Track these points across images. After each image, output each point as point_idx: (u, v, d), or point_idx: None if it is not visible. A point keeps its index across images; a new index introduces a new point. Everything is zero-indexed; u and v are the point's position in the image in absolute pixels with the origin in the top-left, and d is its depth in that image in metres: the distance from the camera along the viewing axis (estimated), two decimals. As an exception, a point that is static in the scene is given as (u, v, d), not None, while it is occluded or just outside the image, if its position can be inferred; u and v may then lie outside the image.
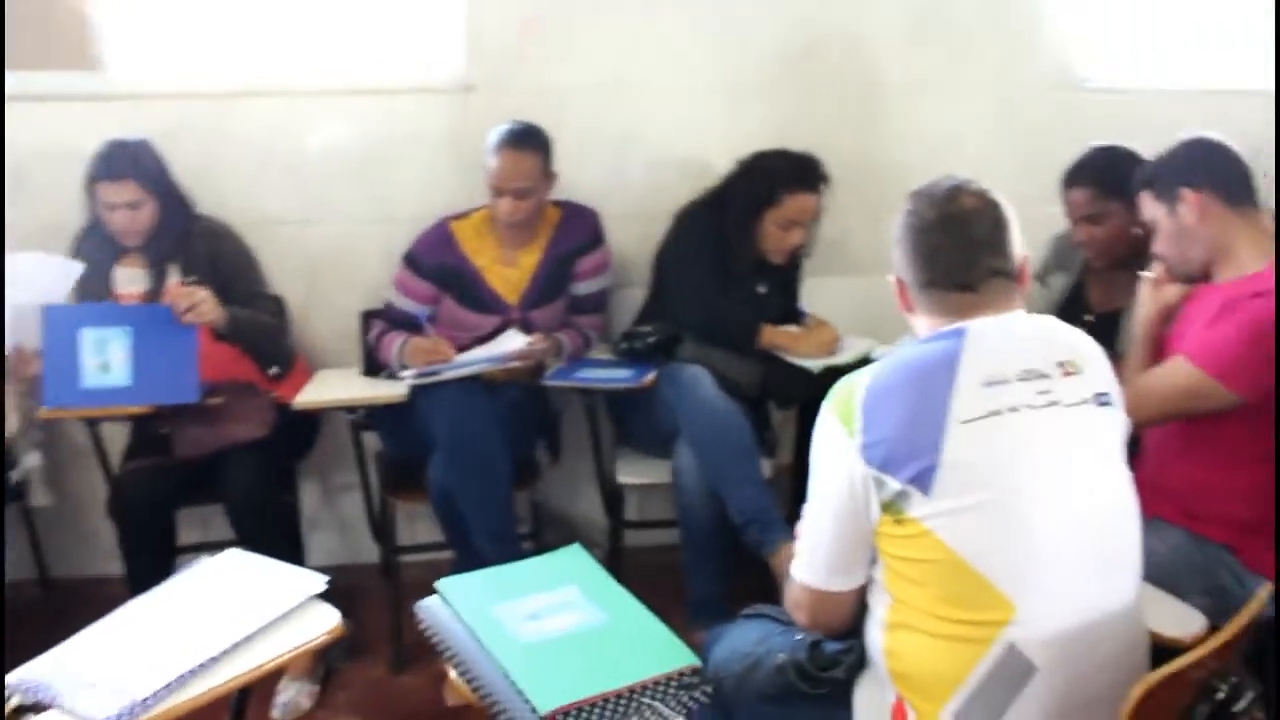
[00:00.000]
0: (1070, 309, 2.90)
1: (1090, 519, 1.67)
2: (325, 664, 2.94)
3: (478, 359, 2.93)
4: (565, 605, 1.77)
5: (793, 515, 2.66)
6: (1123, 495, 1.72)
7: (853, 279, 3.54)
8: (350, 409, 2.98)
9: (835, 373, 2.95)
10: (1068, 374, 1.71)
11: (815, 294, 3.40)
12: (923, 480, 1.61)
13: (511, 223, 3.02)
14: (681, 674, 1.63)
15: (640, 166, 3.43)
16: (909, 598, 1.67)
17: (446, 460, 2.82)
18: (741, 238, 3.09)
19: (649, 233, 3.31)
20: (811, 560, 1.76)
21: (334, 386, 3.03)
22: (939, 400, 1.64)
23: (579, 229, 3.17)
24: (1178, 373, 2.26)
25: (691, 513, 2.89)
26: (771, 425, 3.27)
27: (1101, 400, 1.72)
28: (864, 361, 3.03)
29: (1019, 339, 1.73)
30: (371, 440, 3.15)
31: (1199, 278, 2.39)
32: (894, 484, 1.62)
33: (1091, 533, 1.67)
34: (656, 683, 1.61)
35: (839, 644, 1.82)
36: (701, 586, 2.90)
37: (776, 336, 3.12)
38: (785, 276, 3.31)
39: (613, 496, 3.16)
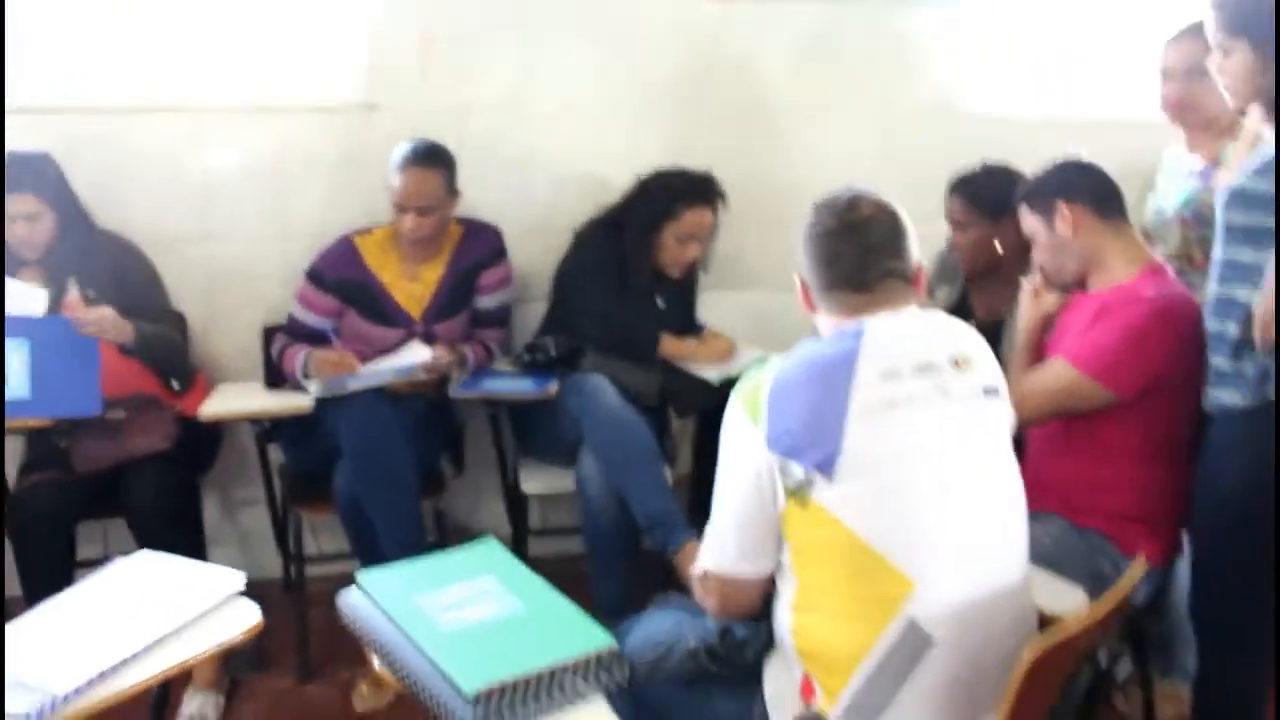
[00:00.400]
0: (956, 318, 3.05)
1: (979, 502, 1.78)
2: (230, 676, 2.91)
3: (383, 370, 2.96)
4: (483, 594, 1.81)
5: (693, 522, 2.79)
6: (1009, 481, 1.83)
7: (747, 293, 3.66)
8: (256, 420, 2.97)
9: (733, 383, 3.10)
10: (959, 368, 1.82)
11: (711, 307, 3.52)
12: (825, 467, 1.70)
13: (415, 239, 3.06)
14: (600, 655, 1.68)
15: (541, 184, 3.50)
16: (815, 580, 1.76)
17: (354, 469, 2.84)
18: (640, 251, 3.18)
19: (550, 248, 3.38)
20: (721, 547, 1.84)
21: (239, 399, 3.02)
22: (840, 393, 1.73)
23: (481, 245, 3.22)
24: (1058, 374, 2.41)
25: (596, 518, 2.95)
26: (671, 434, 3.35)
27: (990, 393, 1.84)
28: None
29: (913, 334, 1.84)
30: (274, 453, 3.14)
31: (1074, 287, 2.55)
32: (798, 470, 1.71)
33: (981, 515, 1.78)
34: (577, 664, 1.65)
35: (745, 627, 1.90)
36: (607, 590, 2.96)
37: (675, 347, 3.21)
38: (682, 290, 3.41)
39: (517, 506, 3.21)
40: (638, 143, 3.51)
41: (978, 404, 1.82)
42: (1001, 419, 1.86)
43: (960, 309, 3.11)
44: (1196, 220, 2.71)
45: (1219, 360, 2.26)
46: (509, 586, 1.85)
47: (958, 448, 1.78)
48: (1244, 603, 2.31)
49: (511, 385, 3.06)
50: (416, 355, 3.02)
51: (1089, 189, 2.50)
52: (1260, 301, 2.11)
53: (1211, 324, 2.28)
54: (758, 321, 3.61)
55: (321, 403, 2.90)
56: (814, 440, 1.71)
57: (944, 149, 3.63)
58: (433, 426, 3.14)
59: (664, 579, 3.01)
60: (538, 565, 1.96)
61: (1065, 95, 3.90)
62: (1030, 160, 3.59)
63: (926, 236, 3.55)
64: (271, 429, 3.05)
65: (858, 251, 1.86)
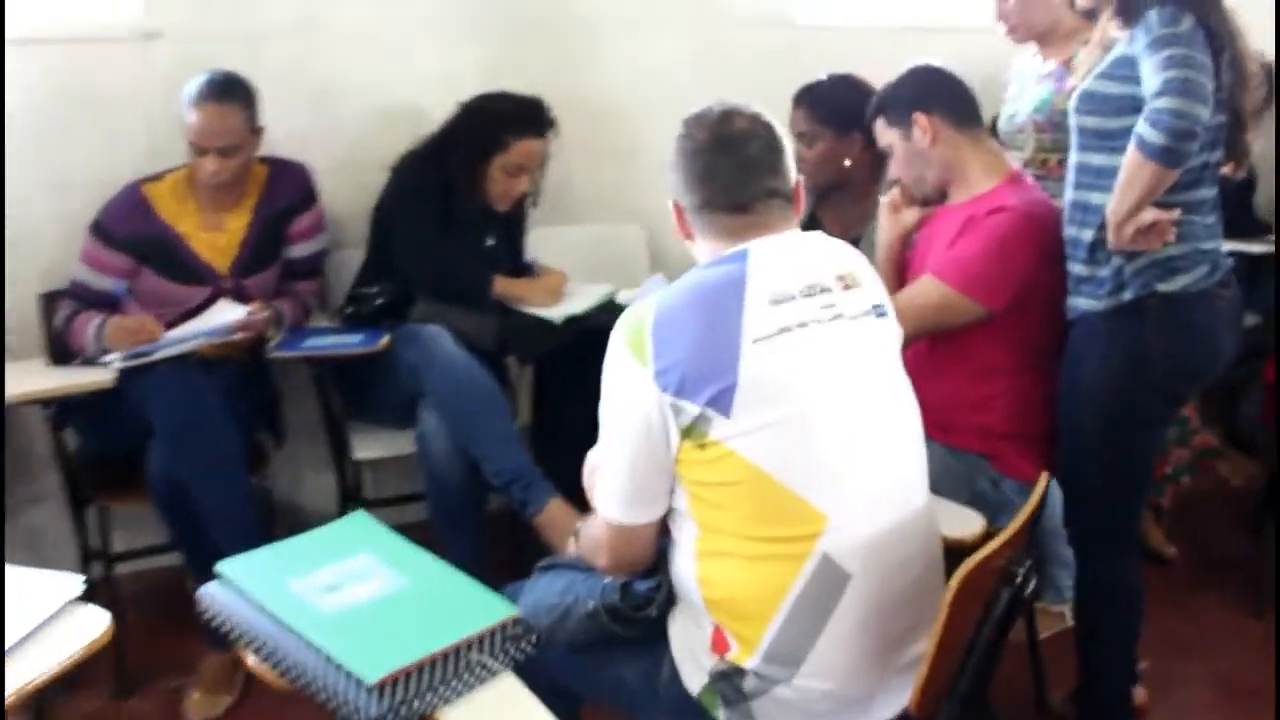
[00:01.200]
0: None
1: (882, 426, 1.85)
2: (36, 704, 2.76)
3: (192, 334, 2.84)
4: (363, 573, 1.78)
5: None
6: (907, 402, 1.91)
7: (578, 226, 3.69)
8: (46, 403, 2.80)
9: (576, 321, 3.12)
10: (847, 287, 1.87)
11: (541, 244, 3.50)
12: (721, 401, 1.72)
13: (216, 184, 2.93)
14: (504, 626, 1.67)
15: (349, 116, 3.40)
16: (718, 523, 1.78)
17: (170, 448, 2.72)
18: (467, 186, 3.13)
19: (362, 187, 3.30)
20: (614, 494, 1.85)
21: (22, 379, 2.83)
22: (730, 321, 1.75)
23: (289, 187, 3.11)
24: (927, 290, 2.51)
25: (442, 480, 2.91)
26: (510, 381, 3.34)
27: (879, 311, 1.90)
28: (609, 305, 3.19)
29: (799, 256, 1.87)
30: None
31: (934, 200, 2.65)
32: (692, 408, 1.73)
33: (884, 438, 1.85)
34: (481, 638, 1.64)
35: (648, 581, 1.92)
36: (459, 558, 2.91)
37: (510, 288, 3.19)
38: (511, 227, 3.38)
39: (349, 475, 3.14)
40: (452, 65, 3.45)
41: (869, 323, 1.88)
42: (892, 338, 1.93)
43: (808, 227, 3.18)
44: (1051, 125, 2.85)
45: (1076, 266, 2.40)
46: (390, 562, 1.82)
47: (855, 370, 1.83)
48: (1114, 505, 2.49)
49: (338, 341, 2.99)
50: (228, 314, 2.90)
51: (946, 98, 2.59)
52: (1111, 202, 2.25)
53: (1069, 230, 2.42)
54: (592, 255, 3.63)
55: (124, 376, 2.76)
56: (707, 374, 1.72)
57: (774, 60, 3.75)
58: (248, 395, 3.03)
59: (520, 542, 3.04)
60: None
61: (899, 1, 4.02)
62: (868, 70, 3.73)
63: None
64: (62, 411, 2.88)
65: (734, 168, 1.87)
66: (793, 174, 1.93)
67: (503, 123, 3.10)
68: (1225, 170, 2.34)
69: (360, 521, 1.94)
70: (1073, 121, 2.39)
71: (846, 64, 3.69)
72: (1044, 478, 1.95)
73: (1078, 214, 2.39)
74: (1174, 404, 2.52)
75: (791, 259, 1.85)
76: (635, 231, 3.76)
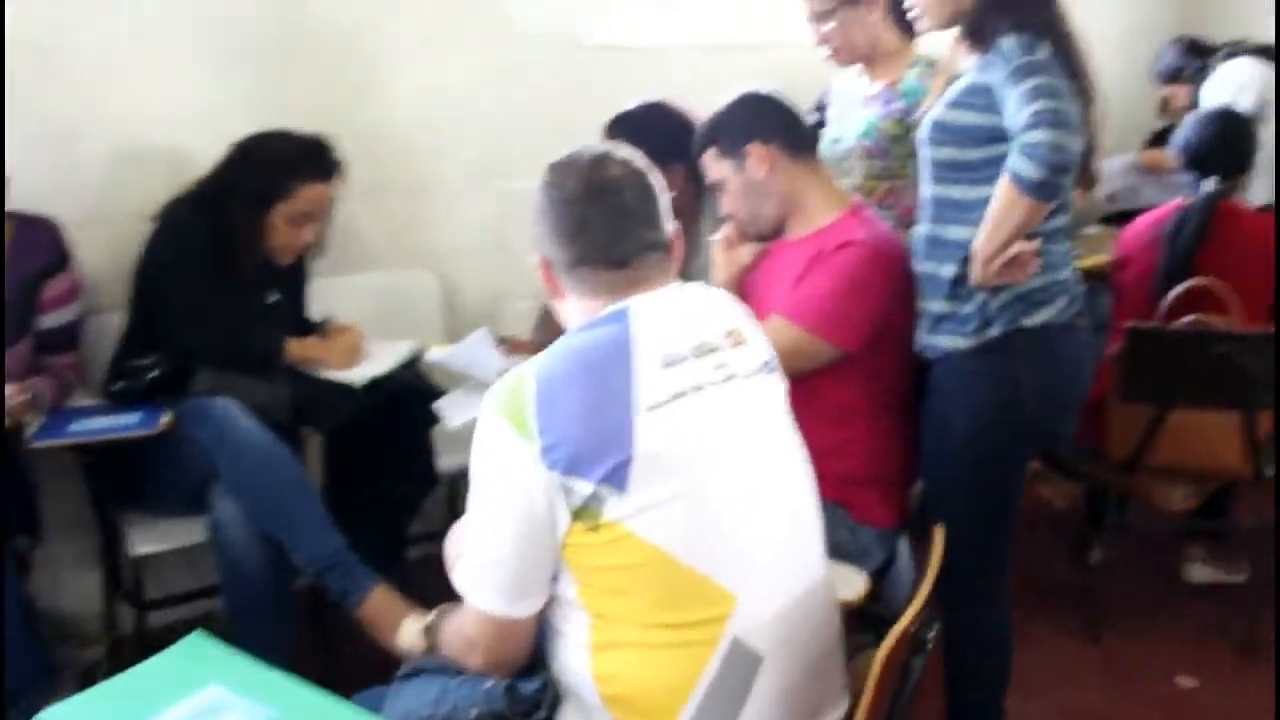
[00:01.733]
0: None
1: (781, 492, 1.83)
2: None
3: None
4: (218, 708, 1.61)
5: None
6: (802, 463, 1.89)
7: (364, 274, 3.53)
8: None
9: (380, 384, 2.97)
10: (737, 344, 1.84)
11: (324, 296, 3.31)
12: (616, 477, 1.64)
13: (-49, 246, 2.65)
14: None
15: (97, 159, 3.12)
16: (614, 611, 1.71)
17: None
18: (246, 238, 2.93)
19: (115, 241, 3.08)
20: (491, 586, 1.74)
21: None
22: (620, 388, 1.68)
23: (38, 247, 2.83)
24: (778, 332, 2.47)
25: (242, 570, 2.71)
26: (302, 451, 3.14)
27: (770, 367, 1.88)
28: (409, 368, 3.06)
29: (685, 312, 1.82)
30: None
31: (770, 235, 2.65)
32: (585, 486, 1.65)
33: (785, 505, 1.82)
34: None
35: (533, 682, 1.83)
36: (267, 648, 2.68)
37: (303, 351, 3.01)
38: (293, 280, 3.20)
39: (119, 573, 2.90)
40: (215, 97, 3.25)
41: (761, 381, 1.85)
42: (782, 394, 1.90)
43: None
44: (880, 151, 2.89)
45: (935, 304, 2.44)
46: (245, 691, 1.65)
47: (753, 434, 1.81)
48: (985, 549, 2.54)
49: (112, 423, 2.73)
50: (-26, 401, 2.61)
51: (781, 127, 2.60)
52: (979, 237, 2.29)
53: (924, 265, 2.46)
54: (381, 306, 3.49)
55: None
56: (599, 448, 1.65)
57: (567, 83, 3.72)
58: (5, 496, 2.73)
59: (329, 639, 2.86)
60: (163, 642, 1.76)
61: (688, 20, 4.04)
62: (665, 90, 3.74)
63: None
64: None
65: (609, 218, 1.81)
66: (669, 223, 1.88)
67: (285, 166, 2.92)
68: (1074, 195, 2.41)
69: (199, 645, 1.76)
70: (924, 153, 2.43)
71: (641, 84, 3.70)
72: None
73: (933, 249, 2.42)
74: (1042, 440, 2.60)
75: (677, 316, 1.81)
76: (427, 278, 3.63)
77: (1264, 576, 3.41)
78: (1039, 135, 2.14)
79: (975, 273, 2.32)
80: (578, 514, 1.66)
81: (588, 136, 3.61)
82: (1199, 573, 3.59)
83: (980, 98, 2.30)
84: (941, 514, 2.50)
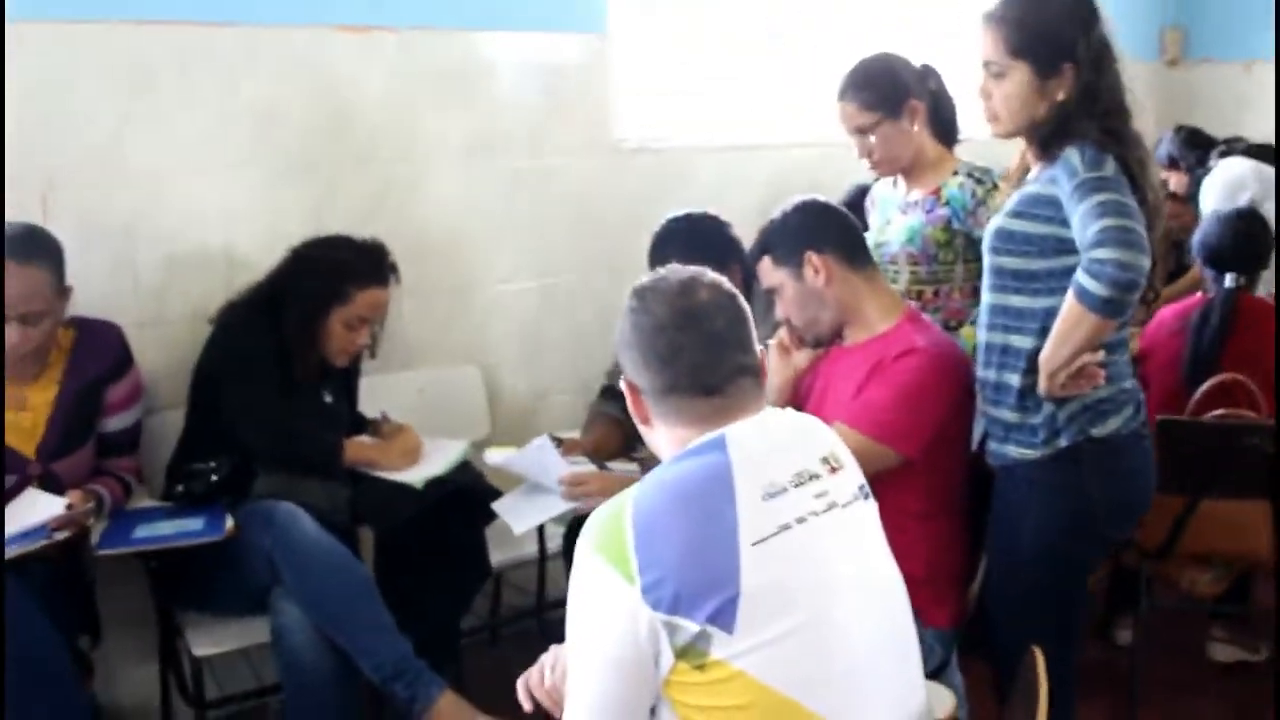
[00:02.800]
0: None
1: (886, 620, 1.71)
2: None
3: (9, 543, 2.37)
4: None
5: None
6: (900, 589, 1.76)
7: (410, 372, 3.42)
8: None
9: (438, 484, 2.84)
10: (834, 470, 1.72)
11: (371, 394, 3.20)
12: (724, 616, 1.52)
13: (19, 355, 2.51)
14: None
15: (153, 263, 3.01)
16: (719, 751, 1.57)
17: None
18: (305, 341, 2.82)
19: (172, 342, 3.00)
20: None
21: None
22: (723, 523, 1.56)
23: (100, 351, 2.71)
24: (843, 439, 2.37)
25: (306, 675, 2.58)
26: (359, 554, 3.00)
27: (865, 493, 1.77)
28: (464, 466, 2.93)
29: (781, 440, 1.71)
30: None
31: (827, 341, 2.54)
32: (691, 626, 1.52)
33: (890, 634, 1.71)
34: None
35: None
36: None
37: (362, 453, 2.89)
38: (346, 380, 3.08)
39: (191, 673, 2.74)
40: (270, 203, 3.14)
41: (859, 509, 1.74)
42: (877, 520, 1.78)
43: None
44: (925, 257, 2.80)
45: (1003, 412, 2.33)
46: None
47: (857, 563, 1.69)
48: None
49: (177, 530, 2.59)
50: (43, 510, 2.45)
51: (836, 235, 2.50)
52: (1046, 351, 2.19)
53: (986, 372, 2.35)
54: (427, 403, 3.38)
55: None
56: (705, 587, 1.53)
57: (601, 184, 3.66)
58: (63, 593, 2.59)
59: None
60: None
61: (715, 123, 3.97)
62: (698, 186, 3.68)
63: (601, 290, 3.58)
64: None
65: (702, 346, 1.69)
66: (758, 346, 1.76)
67: (343, 272, 2.82)
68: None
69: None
70: (987, 261, 2.34)
71: (670, 183, 3.66)
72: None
73: (997, 356, 2.32)
74: (1109, 547, 2.49)
75: (774, 444, 1.69)
76: (472, 373, 3.52)
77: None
78: (1106, 253, 2.04)
79: (1042, 385, 2.22)
80: (682, 653, 1.54)
81: (622, 234, 3.62)
82: (1223, 652, 3.48)
83: (1045, 209, 2.21)
84: (1008, 620, 2.40)
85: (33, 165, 2.80)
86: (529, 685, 1.85)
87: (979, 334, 2.40)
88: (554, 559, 3.18)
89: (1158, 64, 5.04)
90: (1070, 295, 2.12)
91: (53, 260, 2.54)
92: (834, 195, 3.39)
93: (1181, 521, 3.04)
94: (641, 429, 1.81)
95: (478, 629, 3.40)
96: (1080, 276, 2.09)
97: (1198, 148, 4.32)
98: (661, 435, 1.75)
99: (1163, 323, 3.35)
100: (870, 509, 1.76)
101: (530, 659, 3.15)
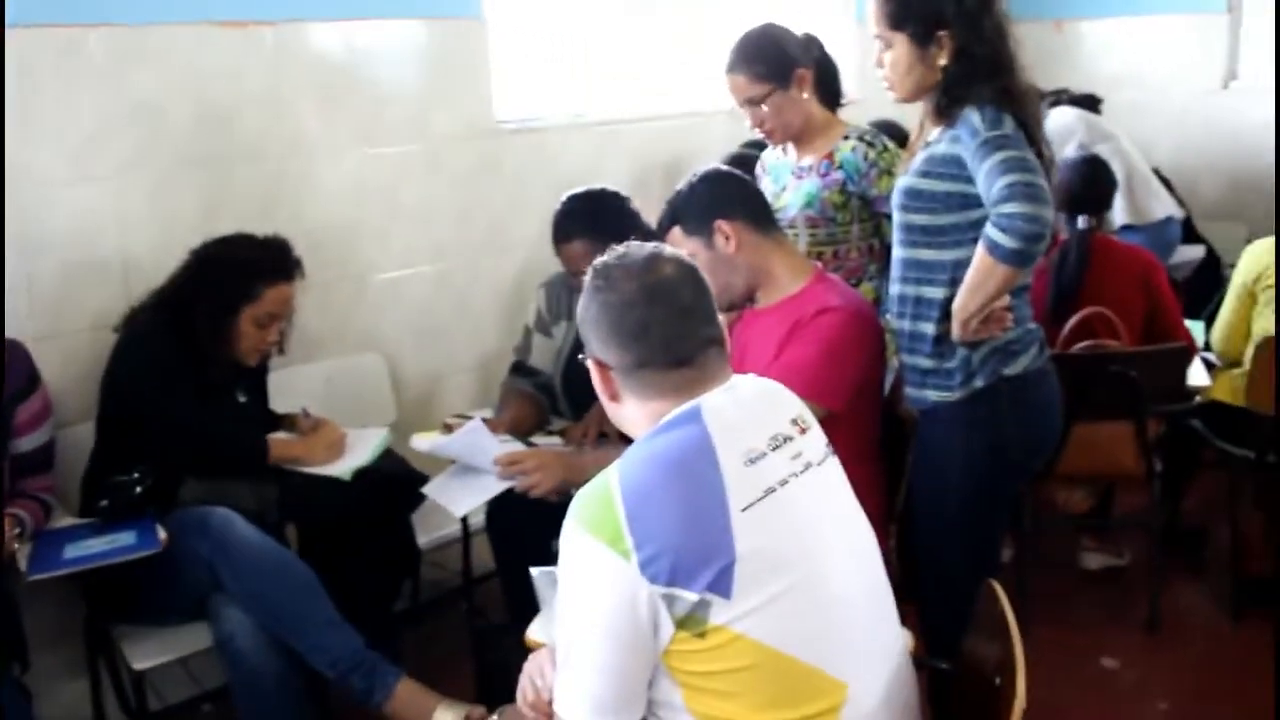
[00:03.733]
0: (579, 356, 2.92)
1: (866, 569, 1.70)
2: None
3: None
4: None
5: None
6: (871, 537, 1.75)
7: (316, 364, 3.28)
8: None
9: (364, 473, 2.71)
10: (803, 431, 1.71)
11: (281, 389, 3.04)
12: (721, 583, 1.49)
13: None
14: None
15: (47, 274, 2.78)
16: (726, 714, 1.54)
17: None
18: (217, 343, 2.66)
19: (74, 353, 2.81)
20: (592, 699, 1.54)
21: None
22: (712, 491, 1.53)
23: (8, 371, 2.49)
24: None
25: (253, 679, 2.45)
26: (289, 548, 2.86)
27: (831, 450, 1.74)
28: (387, 453, 2.81)
29: (752, 406, 1.69)
30: None
31: (740, 305, 2.51)
32: (689, 596, 1.49)
33: (871, 583, 1.70)
34: None
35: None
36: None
37: (284, 449, 2.74)
38: (256, 377, 2.91)
39: (131, 686, 2.57)
40: (162, 206, 2.95)
41: (830, 465, 1.72)
42: (842, 473, 1.76)
43: (581, 347, 2.98)
44: (824, 220, 2.79)
45: (919, 360, 2.35)
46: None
47: (835, 518, 1.69)
48: (970, 585, 2.44)
49: (109, 547, 2.40)
50: (-36, 541, 2.26)
51: (743, 203, 2.47)
52: (958, 300, 2.21)
53: (903, 324, 2.37)
54: (333, 393, 3.23)
55: None
56: (701, 556, 1.49)
57: (484, 165, 3.56)
58: (-6, 625, 2.39)
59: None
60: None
61: (590, 98, 3.90)
62: (572, 163, 3.62)
63: (491, 270, 3.49)
64: None
65: (671, 318, 1.65)
66: (720, 317, 1.72)
67: (249, 270, 2.66)
68: None
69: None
70: (896, 218, 2.35)
71: (550, 160, 3.57)
72: (995, 586, 1.85)
73: (910, 307, 2.34)
74: (1024, 479, 2.53)
75: (747, 411, 1.66)
76: (375, 360, 3.39)
77: (1140, 559, 3.49)
78: (1013, 207, 2.07)
79: (955, 331, 2.24)
80: (682, 623, 1.50)
81: (506, 214, 3.52)
82: (1093, 560, 3.61)
83: (950, 167, 2.22)
84: (932, 553, 2.43)
85: (-90, 180, 2.56)
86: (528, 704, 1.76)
87: (892, 287, 2.40)
88: (477, 534, 3.08)
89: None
90: (980, 248, 2.14)
91: (-48, 279, 2.32)
92: (699, 163, 3.39)
93: (1059, 446, 3.12)
94: (608, 405, 1.76)
95: (401, 611, 3.28)
96: (989, 230, 2.11)
97: (1027, 100, 4.42)
98: (632, 409, 1.70)
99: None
100: (836, 464, 1.74)
101: (455, 636, 3.11)
